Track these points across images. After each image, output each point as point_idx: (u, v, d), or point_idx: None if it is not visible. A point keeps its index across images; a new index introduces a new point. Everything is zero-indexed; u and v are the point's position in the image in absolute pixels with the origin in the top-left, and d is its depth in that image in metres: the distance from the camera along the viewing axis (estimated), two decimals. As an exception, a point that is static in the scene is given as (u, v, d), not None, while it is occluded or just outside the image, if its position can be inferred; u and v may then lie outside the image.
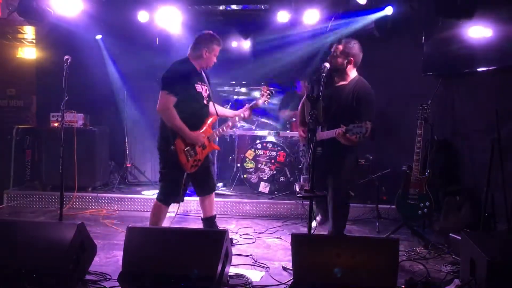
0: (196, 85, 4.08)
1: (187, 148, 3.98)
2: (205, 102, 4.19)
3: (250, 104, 4.50)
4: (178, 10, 6.15)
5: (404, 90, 5.94)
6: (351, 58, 3.96)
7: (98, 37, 6.58)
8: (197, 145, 4.03)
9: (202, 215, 4.49)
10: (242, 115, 4.45)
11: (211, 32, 4.18)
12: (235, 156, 6.71)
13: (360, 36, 6.12)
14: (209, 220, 4.44)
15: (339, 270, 2.96)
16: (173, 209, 4.42)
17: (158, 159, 4.16)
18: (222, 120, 4.78)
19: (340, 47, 4.00)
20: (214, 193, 4.48)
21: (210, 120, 4.24)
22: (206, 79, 4.23)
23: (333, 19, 6.06)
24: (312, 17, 6.05)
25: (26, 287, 3.06)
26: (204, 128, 4.15)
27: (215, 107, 4.28)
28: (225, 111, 4.69)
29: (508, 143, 4.45)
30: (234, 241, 4.53)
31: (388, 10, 5.71)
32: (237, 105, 6.59)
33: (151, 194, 5.98)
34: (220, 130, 4.34)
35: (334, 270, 2.96)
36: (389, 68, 6.18)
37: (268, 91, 4.51)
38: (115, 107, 6.99)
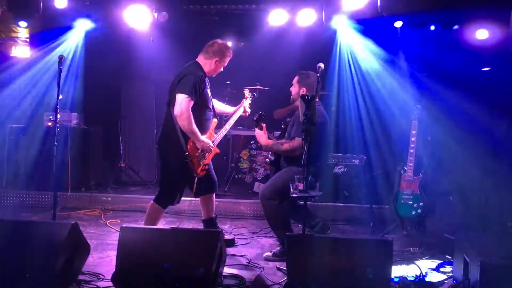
0: (208, 90, 4.12)
1: (198, 154, 3.98)
2: (211, 106, 4.22)
3: (239, 107, 4.61)
4: (172, 9, 6.14)
5: (398, 91, 5.95)
6: (303, 87, 4.25)
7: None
8: (206, 150, 4.05)
9: (202, 217, 4.49)
10: (239, 111, 4.59)
11: (225, 43, 4.25)
12: (230, 156, 6.71)
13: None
14: (209, 222, 4.44)
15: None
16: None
17: (161, 163, 4.17)
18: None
19: (296, 77, 4.37)
20: (214, 195, 4.48)
21: (213, 124, 4.27)
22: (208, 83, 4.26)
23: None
24: (307, 18, 6.05)
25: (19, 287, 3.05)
26: (209, 132, 4.18)
27: (213, 108, 4.30)
28: (224, 107, 4.72)
29: (501, 144, 4.49)
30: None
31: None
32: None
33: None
34: (221, 134, 4.37)
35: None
36: (384, 68, 6.19)
37: (250, 94, 4.73)
38: (109, 106, 6.96)
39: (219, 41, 4.22)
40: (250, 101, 4.69)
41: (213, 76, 4.26)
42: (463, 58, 5.08)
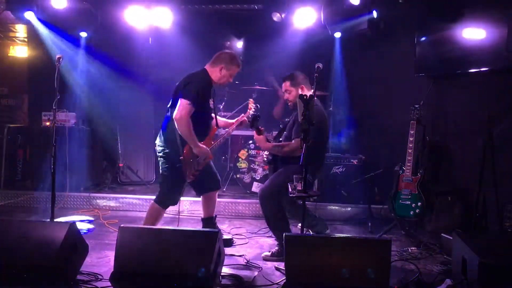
0: (210, 100, 4.14)
1: (192, 159, 3.99)
2: (212, 115, 4.24)
3: (242, 118, 4.58)
4: (171, 9, 6.14)
5: (396, 91, 5.96)
6: (301, 86, 4.27)
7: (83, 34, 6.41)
8: (202, 157, 4.05)
9: (202, 215, 4.50)
10: (238, 123, 4.57)
11: (233, 52, 4.28)
12: (228, 156, 6.71)
13: (353, 36, 6.22)
14: (209, 221, 4.44)
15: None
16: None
17: (161, 163, 4.17)
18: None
19: (287, 82, 4.32)
20: (216, 193, 4.49)
21: (213, 131, 4.29)
22: (213, 92, 4.26)
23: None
24: (305, 17, 6.05)
25: (17, 287, 3.04)
26: (207, 139, 4.19)
27: (216, 119, 4.32)
28: (225, 121, 4.71)
29: (499, 144, 4.49)
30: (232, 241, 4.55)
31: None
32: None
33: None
34: (218, 142, 4.38)
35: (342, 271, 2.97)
36: (381, 68, 6.20)
37: (254, 105, 4.67)
38: (107, 106, 6.95)
39: (227, 50, 4.29)
40: (252, 112, 4.67)
41: (221, 84, 4.26)
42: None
